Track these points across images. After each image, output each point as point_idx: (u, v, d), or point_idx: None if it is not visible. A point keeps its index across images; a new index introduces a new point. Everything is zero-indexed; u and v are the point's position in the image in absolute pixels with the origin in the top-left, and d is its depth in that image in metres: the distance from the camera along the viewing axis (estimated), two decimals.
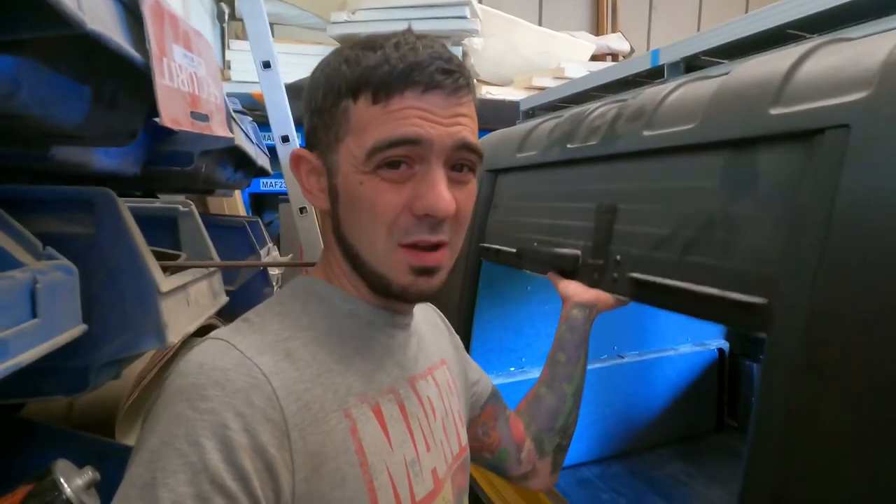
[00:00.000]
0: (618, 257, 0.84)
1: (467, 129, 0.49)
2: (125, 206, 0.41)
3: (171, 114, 0.36)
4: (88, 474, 0.45)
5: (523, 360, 1.76)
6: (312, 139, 0.53)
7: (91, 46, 0.30)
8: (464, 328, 1.46)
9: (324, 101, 0.50)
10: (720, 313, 0.64)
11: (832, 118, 0.56)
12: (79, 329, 0.35)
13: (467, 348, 1.46)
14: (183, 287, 0.49)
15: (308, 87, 0.52)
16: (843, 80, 0.57)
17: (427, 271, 0.50)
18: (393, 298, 0.52)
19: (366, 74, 0.46)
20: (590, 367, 1.90)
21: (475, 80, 0.52)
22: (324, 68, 0.51)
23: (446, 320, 0.76)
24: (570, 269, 0.93)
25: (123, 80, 0.40)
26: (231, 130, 0.66)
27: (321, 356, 0.49)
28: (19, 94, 0.30)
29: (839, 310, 0.51)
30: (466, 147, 0.49)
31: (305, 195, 0.54)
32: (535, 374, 1.71)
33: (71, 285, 0.34)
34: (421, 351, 0.61)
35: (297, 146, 1.10)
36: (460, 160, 0.50)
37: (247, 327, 0.48)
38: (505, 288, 1.62)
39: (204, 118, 0.42)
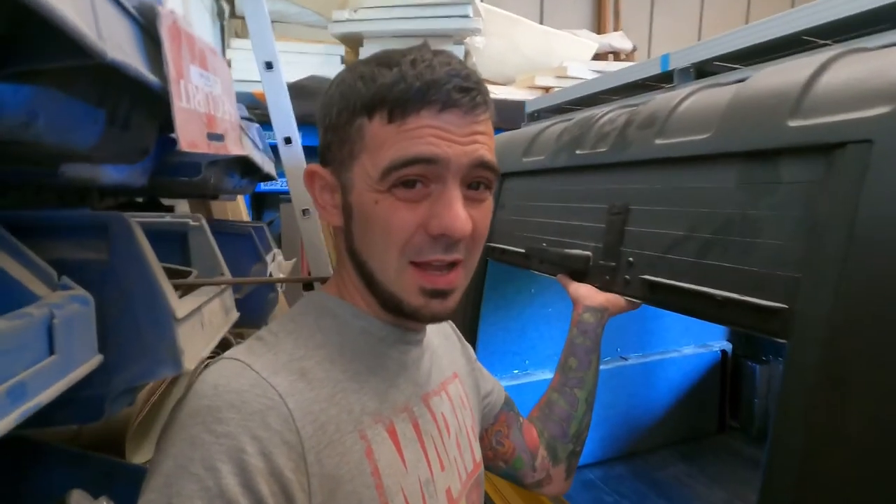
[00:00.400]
0: (630, 259, 0.83)
1: (484, 147, 0.48)
2: (140, 229, 0.41)
3: (189, 137, 0.35)
4: None
5: (527, 362, 1.75)
6: (326, 155, 0.52)
7: (109, 71, 0.29)
8: (470, 329, 1.45)
9: (338, 118, 0.49)
10: (738, 318, 0.63)
11: (854, 132, 0.55)
12: (95, 360, 0.34)
13: (473, 350, 1.45)
14: (197, 310, 0.48)
15: (322, 104, 0.52)
16: (865, 93, 0.56)
17: (440, 294, 0.49)
18: (405, 318, 0.52)
19: (382, 92, 0.46)
20: None
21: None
22: (338, 84, 0.50)
23: (458, 330, 0.75)
24: (581, 271, 0.92)
25: (138, 101, 0.39)
26: (241, 141, 0.65)
27: (335, 374, 0.48)
28: (36, 124, 0.29)
29: (861, 321, 0.50)
30: (483, 165, 0.48)
31: (319, 210, 0.54)
32: (539, 376, 1.71)
33: (87, 316, 0.33)
34: (434, 366, 0.60)
35: (300, 147, 1.08)
36: (477, 178, 0.49)
37: (261, 346, 0.47)
38: (509, 290, 1.61)
39: (220, 138, 0.41)
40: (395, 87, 0.45)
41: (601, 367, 1.88)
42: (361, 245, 0.50)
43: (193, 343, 0.44)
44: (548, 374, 1.73)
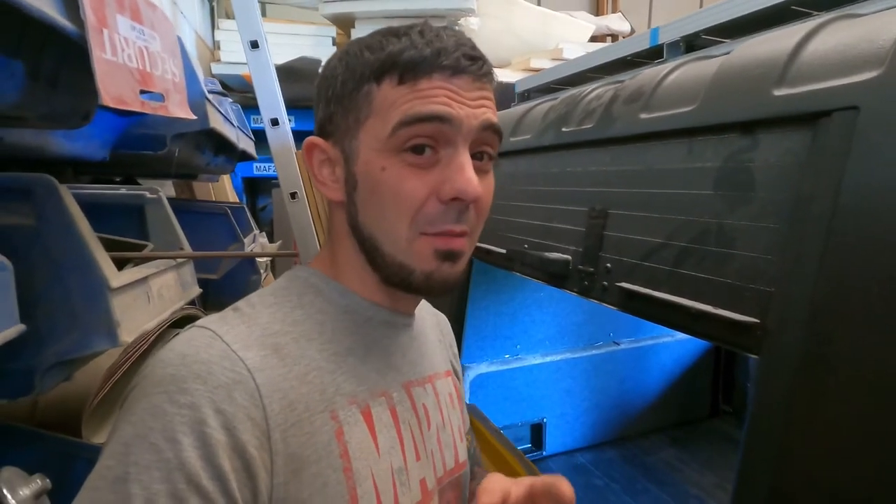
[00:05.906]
0: (608, 265, 0.81)
1: (491, 111, 0.49)
2: (69, 194, 0.38)
3: (114, 91, 0.33)
4: (37, 483, 0.42)
5: (518, 346, 1.74)
6: (328, 127, 0.51)
7: (18, 17, 0.26)
8: (456, 324, 1.43)
9: (343, 88, 0.49)
10: (711, 331, 0.61)
11: (840, 99, 0.53)
12: (14, 330, 0.32)
13: (460, 337, 1.43)
14: (142, 281, 0.46)
15: (322, 78, 0.52)
16: (852, 58, 0.53)
17: (452, 255, 0.48)
18: (413, 291, 0.50)
19: (392, 58, 0.46)
20: (585, 354, 1.86)
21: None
22: (341, 57, 0.50)
23: (455, 347, 0.72)
24: (560, 275, 0.90)
25: (65, 56, 0.36)
26: (206, 112, 0.62)
27: (311, 353, 0.47)
28: None
29: (841, 330, 0.47)
30: (492, 128, 0.48)
31: (317, 186, 0.52)
32: (531, 361, 1.70)
33: (4, 282, 0.31)
34: (423, 357, 0.58)
35: (288, 129, 1.06)
36: (484, 143, 0.49)
37: (236, 317, 0.46)
38: (499, 274, 1.60)
39: (157, 97, 0.39)
40: (405, 53, 0.45)
41: (594, 352, 1.84)
42: (367, 217, 0.49)
43: (134, 315, 0.42)
44: (539, 359, 1.72)
